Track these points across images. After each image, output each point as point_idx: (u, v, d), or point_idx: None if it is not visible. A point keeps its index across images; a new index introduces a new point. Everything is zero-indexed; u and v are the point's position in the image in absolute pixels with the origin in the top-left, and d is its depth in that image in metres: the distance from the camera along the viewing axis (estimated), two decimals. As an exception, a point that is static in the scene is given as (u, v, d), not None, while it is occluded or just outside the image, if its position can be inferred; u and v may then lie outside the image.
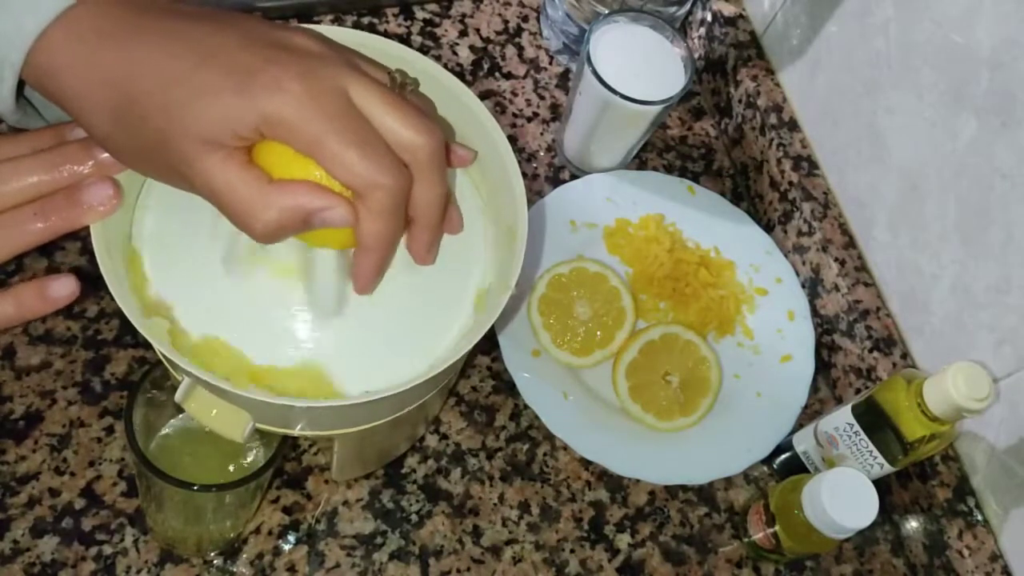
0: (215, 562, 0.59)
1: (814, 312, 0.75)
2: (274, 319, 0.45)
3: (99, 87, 0.38)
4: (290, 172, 0.39)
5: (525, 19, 0.85)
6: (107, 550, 0.58)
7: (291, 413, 0.45)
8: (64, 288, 0.43)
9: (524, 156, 0.78)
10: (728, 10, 0.83)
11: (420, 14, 0.82)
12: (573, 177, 0.78)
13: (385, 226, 0.40)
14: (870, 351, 0.69)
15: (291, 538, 0.60)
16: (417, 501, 0.63)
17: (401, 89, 0.42)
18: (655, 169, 0.80)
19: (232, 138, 0.38)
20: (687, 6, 0.79)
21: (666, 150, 0.82)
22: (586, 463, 0.67)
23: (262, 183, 0.39)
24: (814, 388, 0.72)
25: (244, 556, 0.59)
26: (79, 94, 0.39)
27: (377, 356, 0.46)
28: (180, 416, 0.56)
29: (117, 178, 0.43)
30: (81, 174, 0.42)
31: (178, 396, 0.44)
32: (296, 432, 0.48)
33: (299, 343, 0.45)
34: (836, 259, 0.73)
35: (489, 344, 0.69)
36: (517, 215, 0.48)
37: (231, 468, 0.55)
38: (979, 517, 0.64)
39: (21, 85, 0.41)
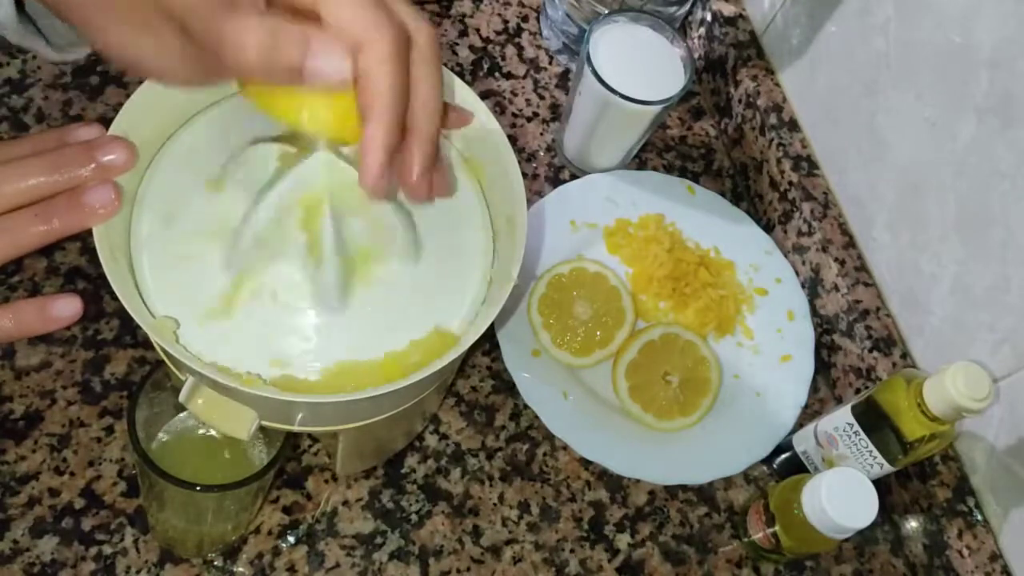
0: (215, 562, 0.59)
1: (814, 312, 0.75)
2: (277, 323, 0.45)
3: None
4: (281, 101, 0.39)
5: (525, 19, 0.85)
6: (107, 550, 0.58)
7: (295, 409, 0.46)
8: (67, 309, 0.42)
9: (524, 156, 0.78)
10: (728, 10, 0.83)
11: (420, 14, 0.82)
12: (573, 177, 0.78)
13: (390, 74, 0.37)
14: (870, 351, 0.70)
15: (291, 538, 0.60)
16: (417, 501, 0.63)
17: None
18: (655, 169, 0.80)
19: None
20: (687, 6, 0.79)
21: (666, 150, 0.82)
22: (586, 463, 0.67)
23: (263, 11, 0.37)
24: (814, 388, 0.72)
25: (244, 556, 0.59)
26: None
27: (380, 350, 0.46)
28: (180, 416, 0.56)
29: (117, 181, 0.43)
30: (82, 177, 0.42)
31: (182, 396, 0.44)
32: (298, 428, 0.48)
33: (303, 346, 0.45)
34: (836, 259, 0.73)
35: (489, 344, 0.69)
36: (516, 206, 0.48)
37: (232, 469, 0.55)
38: (979, 517, 0.64)
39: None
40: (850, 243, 0.74)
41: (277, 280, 0.45)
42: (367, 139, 0.39)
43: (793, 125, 0.78)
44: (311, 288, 0.45)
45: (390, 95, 0.38)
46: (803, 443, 0.67)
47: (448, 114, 0.46)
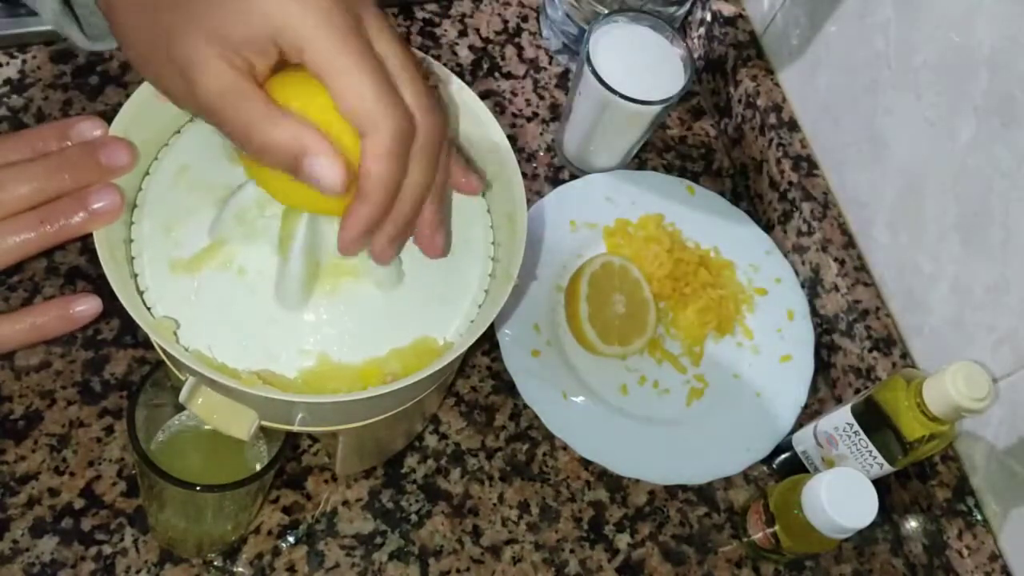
0: (215, 562, 0.59)
1: (814, 312, 0.75)
2: (235, 299, 0.45)
3: None
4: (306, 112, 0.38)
5: (525, 19, 0.85)
6: (107, 550, 0.58)
7: (296, 409, 0.46)
8: (89, 309, 0.42)
9: (524, 156, 0.78)
10: (728, 10, 0.83)
11: (420, 14, 0.82)
12: (573, 177, 0.78)
13: (386, 170, 0.37)
14: (870, 351, 0.70)
15: (291, 538, 0.60)
16: (417, 501, 0.63)
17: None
18: (655, 169, 0.80)
19: (243, 39, 0.36)
20: (687, 6, 0.79)
21: (666, 150, 0.82)
22: (586, 463, 0.67)
23: (270, 102, 0.37)
24: (814, 388, 0.72)
25: (244, 556, 0.59)
26: None
27: (381, 350, 0.46)
28: (180, 416, 0.56)
29: (117, 183, 0.43)
30: (84, 179, 0.42)
31: (182, 396, 0.44)
32: (298, 428, 0.48)
33: (302, 347, 0.45)
34: (836, 259, 0.73)
35: (489, 344, 0.69)
36: (516, 206, 0.48)
37: (232, 469, 0.55)
38: (978, 517, 0.64)
39: None
40: (850, 243, 0.74)
41: (248, 259, 0.45)
42: (351, 214, 0.39)
43: (793, 125, 0.78)
44: (275, 278, 0.45)
45: (381, 187, 0.38)
46: (803, 443, 0.67)
47: (457, 179, 0.46)
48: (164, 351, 0.45)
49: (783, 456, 0.69)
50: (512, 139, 0.78)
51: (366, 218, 0.39)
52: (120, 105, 0.45)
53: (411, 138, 0.38)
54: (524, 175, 0.49)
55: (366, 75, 0.36)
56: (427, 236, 0.44)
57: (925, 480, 0.66)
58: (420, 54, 0.50)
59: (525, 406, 0.67)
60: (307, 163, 0.37)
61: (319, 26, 0.35)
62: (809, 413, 0.72)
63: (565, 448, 0.67)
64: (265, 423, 0.46)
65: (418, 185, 0.40)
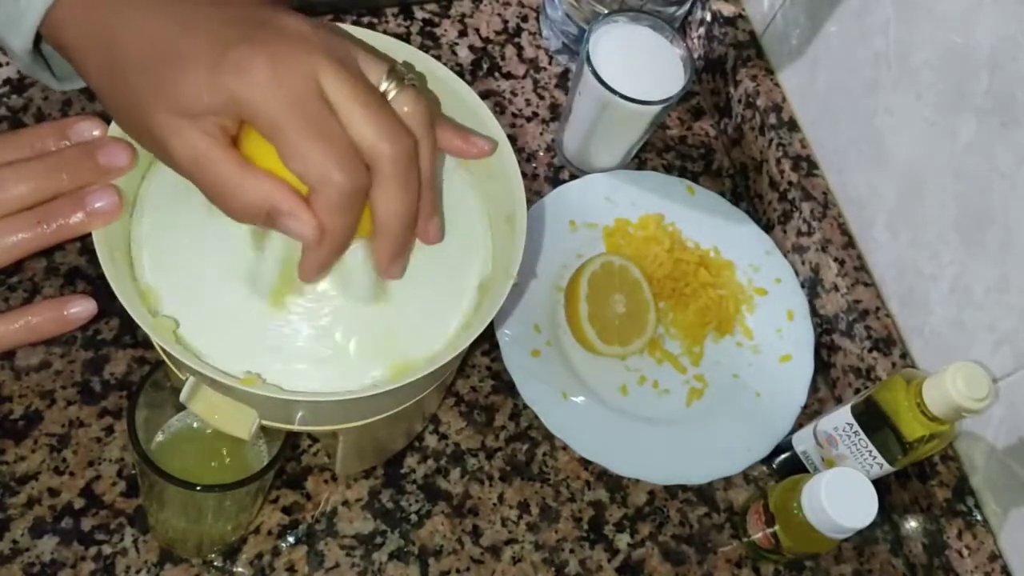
0: (215, 562, 0.59)
1: (813, 312, 0.75)
2: (275, 323, 0.45)
3: (94, 44, 0.40)
4: (271, 166, 0.39)
5: (525, 19, 0.85)
6: (107, 550, 0.58)
7: (296, 409, 0.46)
8: (84, 311, 0.43)
9: (524, 156, 0.78)
10: (728, 10, 0.83)
11: (419, 14, 0.82)
12: (573, 177, 0.78)
13: (333, 223, 0.39)
14: (869, 351, 0.70)
15: (290, 538, 0.60)
16: (417, 501, 0.63)
17: (399, 84, 0.41)
18: (655, 169, 0.80)
19: (204, 112, 0.38)
20: (687, 6, 0.79)
21: (666, 150, 0.82)
22: (585, 463, 0.67)
23: (241, 164, 0.39)
24: (814, 388, 0.72)
25: (244, 556, 0.59)
26: (78, 48, 0.41)
27: (379, 350, 0.46)
28: (180, 416, 0.56)
29: (116, 183, 0.43)
30: (83, 179, 0.42)
31: (183, 396, 0.44)
32: (298, 427, 0.48)
33: (298, 347, 0.45)
34: (836, 259, 0.73)
35: (489, 344, 0.69)
36: (515, 203, 0.48)
37: (232, 469, 0.55)
38: (978, 517, 0.64)
39: (39, 39, 0.43)
40: (850, 243, 0.74)
41: (249, 258, 0.45)
42: (303, 258, 0.42)
43: (793, 125, 0.78)
44: (339, 280, 0.45)
45: (334, 237, 0.40)
46: (803, 443, 0.67)
47: (459, 148, 0.47)
48: (164, 351, 0.45)
49: (783, 456, 0.69)
50: (512, 139, 0.78)
51: (317, 261, 0.41)
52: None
53: (358, 192, 0.39)
54: (524, 175, 0.49)
55: (308, 140, 0.38)
56: (420, 225, 0.45)
57: (925, 480, 0.66)
58: (421, 53, 0.50)
59: (525, 406, 0.67)
60: (281, 222, 0.40)
61: (264, 98, 0.37)
62: (809, 413, 0.72)
63: (565, 448, 0.67)
64: (265, 423, 0.46)
65: (400, 211, 0.41)
